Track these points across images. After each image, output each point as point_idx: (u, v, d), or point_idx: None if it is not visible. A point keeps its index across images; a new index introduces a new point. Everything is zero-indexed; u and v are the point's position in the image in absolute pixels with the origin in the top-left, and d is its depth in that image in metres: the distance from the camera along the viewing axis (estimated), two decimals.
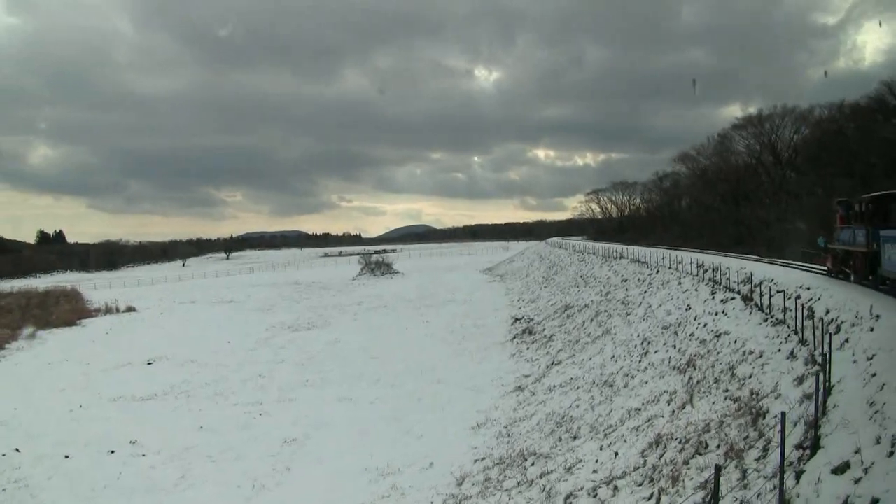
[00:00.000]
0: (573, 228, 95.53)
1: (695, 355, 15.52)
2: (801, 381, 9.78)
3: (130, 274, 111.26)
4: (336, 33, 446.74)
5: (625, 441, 12.26)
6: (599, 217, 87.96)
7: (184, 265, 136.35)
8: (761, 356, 12.44)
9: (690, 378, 14.08)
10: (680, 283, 24.18)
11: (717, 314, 17.82)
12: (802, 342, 11.58)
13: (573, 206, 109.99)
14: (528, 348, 29.29)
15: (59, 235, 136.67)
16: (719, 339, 15.60)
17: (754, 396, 10.56)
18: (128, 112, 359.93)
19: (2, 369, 31.61)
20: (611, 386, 17.47)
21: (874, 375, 8.10)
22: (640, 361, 18.21)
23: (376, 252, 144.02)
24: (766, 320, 14.69)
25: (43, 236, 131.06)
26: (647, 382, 15.78)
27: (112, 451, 19.56)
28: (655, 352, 18.16)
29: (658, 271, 28.70)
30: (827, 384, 8.69)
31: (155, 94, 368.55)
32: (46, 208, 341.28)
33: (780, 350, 12.09)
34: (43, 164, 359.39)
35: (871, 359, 8.76)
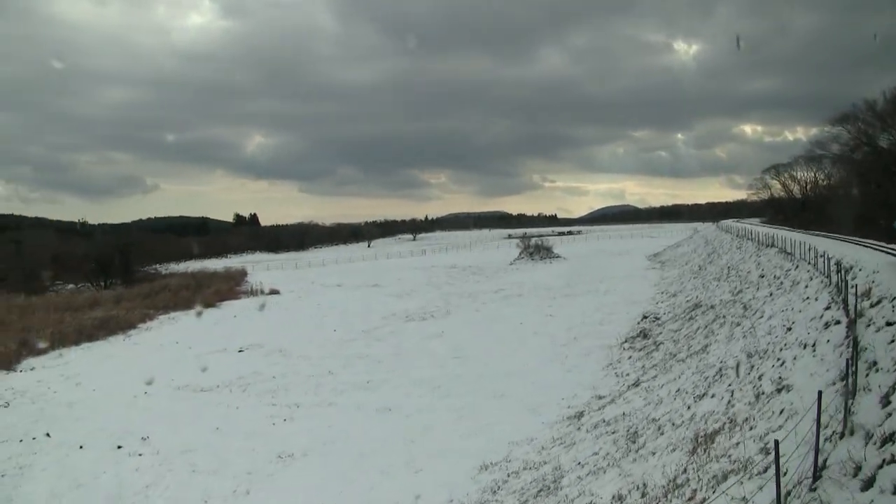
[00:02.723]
0: (771, 209, 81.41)
1: (728, 423, 10.68)
2: None
3: (313, 255, 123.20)
4: (530, 14, 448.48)
5: None
6: (781, 196, 73.18)
7: (369, 246, 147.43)
8: (765, 472, 7.58)
9: (682, 472, 9.58)
10: (806, 288, 17.62)
11: (805, 346, 12.22)
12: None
13: (749, 185, 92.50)
14: (629, 357, 24.56)
15: (254, 218, 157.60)
16: (776, 396, 10.50)
17: None
18: (333, 101, 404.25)
19: (119, 349, 35.99)
20: (633, 441, 13.08)
21: None
22: (688, 408, 13.40)
23: (561, 233, 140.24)
24: (842, 379, 9.22)
25: (238, 219, 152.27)
26: (654, 454, 11.31)
27: (119, 447, 20.40)
28: (712, 396, 13.20)
29: (797, 267, 21.59)
30: None
31: (357, 84, 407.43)
32: (262, 192, 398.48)
33: (795, 453, 7.18)
34: (258, 151, 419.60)
35: None
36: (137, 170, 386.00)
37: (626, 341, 27.30)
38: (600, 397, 20.69)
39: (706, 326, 21.86)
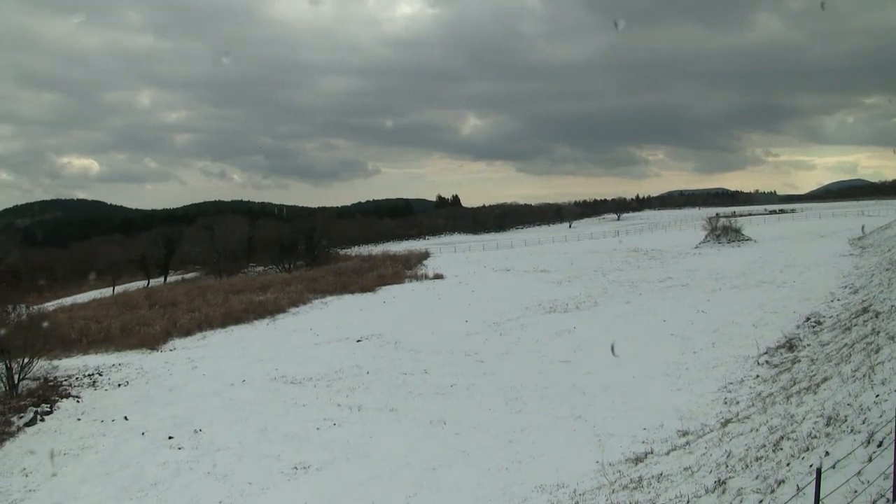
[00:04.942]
0: None
1: None
2: None
3: (511, 236, 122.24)
4: None
5: None
6: None
7: (570, 227, 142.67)
8: None
9: None
10: None
11: (869, 442, 6.81)
12: None
13: None
14: (756, 377, 18.66)
15: (455, 199, 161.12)
16: None
17: None
18: (544, 80, 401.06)
19: (256, 334, 37.95)
20: None
21: None
22: (696, 500, 8.57)
23: (772, 212, 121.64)
24: None
25: (440, 200, 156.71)
26: None
27: (171, 437, 20.71)
28: (723, 492, 8.22)
29: None
30: None
31: (567, 61, 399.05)
32: (479, 173, 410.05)
33: None
34: (473, 133, 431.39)
35: None
36: (359, 155, 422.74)
37: (765, 353, 21.08)
38: (683, 434, 15.78)
39: (851, 346, 15.31)
